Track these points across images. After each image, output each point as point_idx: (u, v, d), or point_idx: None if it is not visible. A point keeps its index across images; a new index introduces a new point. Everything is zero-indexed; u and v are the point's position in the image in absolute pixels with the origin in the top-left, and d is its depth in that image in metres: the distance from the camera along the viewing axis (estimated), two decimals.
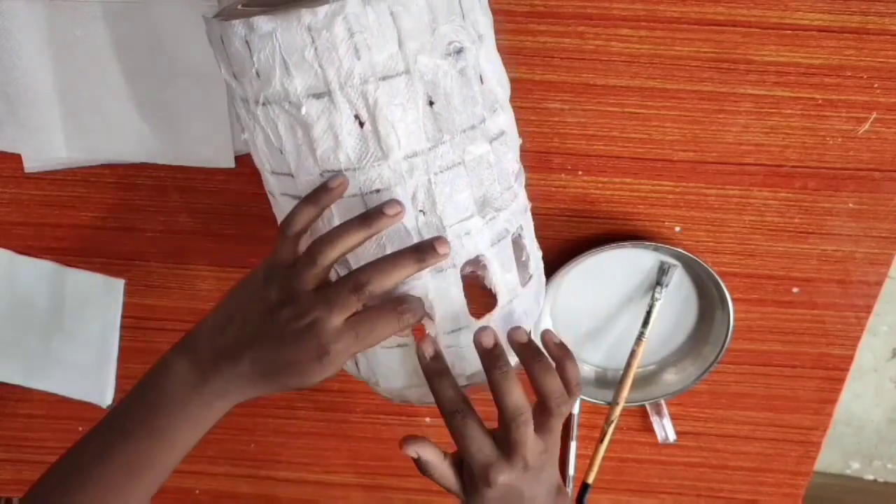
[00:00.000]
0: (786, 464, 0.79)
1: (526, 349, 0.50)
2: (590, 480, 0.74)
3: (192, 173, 0.66)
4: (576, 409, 0.76)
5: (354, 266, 0.48)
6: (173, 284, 0.73)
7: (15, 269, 0.72)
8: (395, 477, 0.82)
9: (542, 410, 0.51)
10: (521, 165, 0.55)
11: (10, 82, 0.61)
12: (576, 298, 0.71)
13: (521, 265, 0.56)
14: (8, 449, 0.82)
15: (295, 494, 0.84)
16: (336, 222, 0.48)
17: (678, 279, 0.69)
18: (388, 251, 0.48)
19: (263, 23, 0.43)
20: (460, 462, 0.54)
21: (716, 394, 0.75)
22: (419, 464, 0.53)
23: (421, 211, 0.48)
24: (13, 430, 0.81)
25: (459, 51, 0.47)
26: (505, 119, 0.52)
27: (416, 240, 0.48)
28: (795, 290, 0.70)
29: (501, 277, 0.52)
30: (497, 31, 0.53)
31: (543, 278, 0.60)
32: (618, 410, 0.71)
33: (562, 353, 0.51)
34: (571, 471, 0.78)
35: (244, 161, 0.65)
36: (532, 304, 0.57)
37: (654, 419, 0.75)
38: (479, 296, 0.53)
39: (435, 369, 0.50)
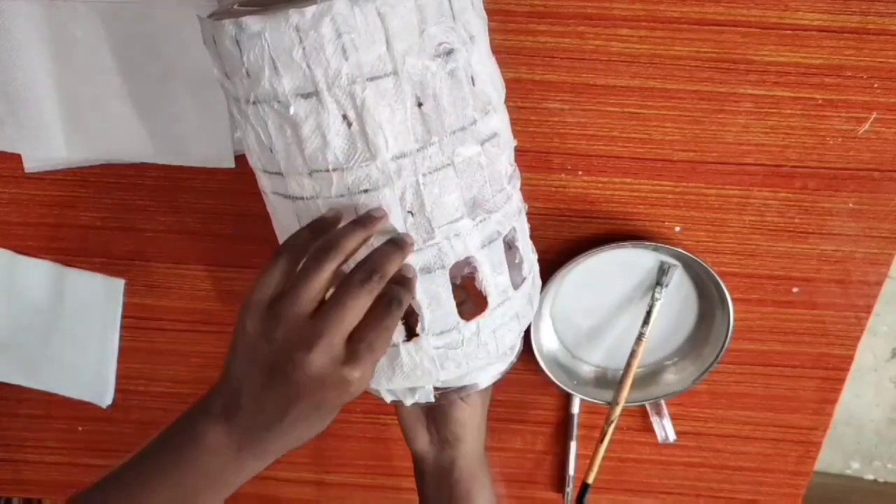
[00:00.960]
0: (786, 464, 0.79)
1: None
2: (590, 480, 0.73)
3: (192, 173, 0.66)
4: (576, 409, 0.76)
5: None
6: (173, 284, 0.73)
7: (15, 269, 0.72)
8: (395, 477, 0.82)
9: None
10: (515, 168, 0.55)
11: (9, 82, 0.61)
12: (576, 298, 0.71)
13: (515, 268, 0.56)
14: (8, 449, 0.82)
15: (295, 494, 0.84)
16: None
17: (678, 279, 0.69)
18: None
19: (252, 23, 0.44)
20: None
21: (716, 394, 0.75)
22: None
23: (409, 212, 0.48)
24: (13, 430, 0.81)
25: (449, 52, 0.47)
26: (498, 121, 0.52)
27: None
28: (795, 290, 0.70)
29: (492, 279, 0.52)
30: (497, 31, 0.53)
31: (539, 281, 0.60)
32: (618, 410, 0.71)
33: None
34: (571, 471, 0.78)
35: (244, 161, 0.64)
36: (525, 306, 0.57)
37: (654, 419, 0.75)
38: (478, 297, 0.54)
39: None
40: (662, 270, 0.68)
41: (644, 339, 0.69)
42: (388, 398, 0.56)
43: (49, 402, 0.78)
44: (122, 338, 0.75)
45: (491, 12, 0.53)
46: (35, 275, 0.72)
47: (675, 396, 0.73)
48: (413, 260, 0.49)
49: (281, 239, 0.55)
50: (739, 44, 0.60)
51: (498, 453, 0.80)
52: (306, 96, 0.45)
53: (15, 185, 0.68)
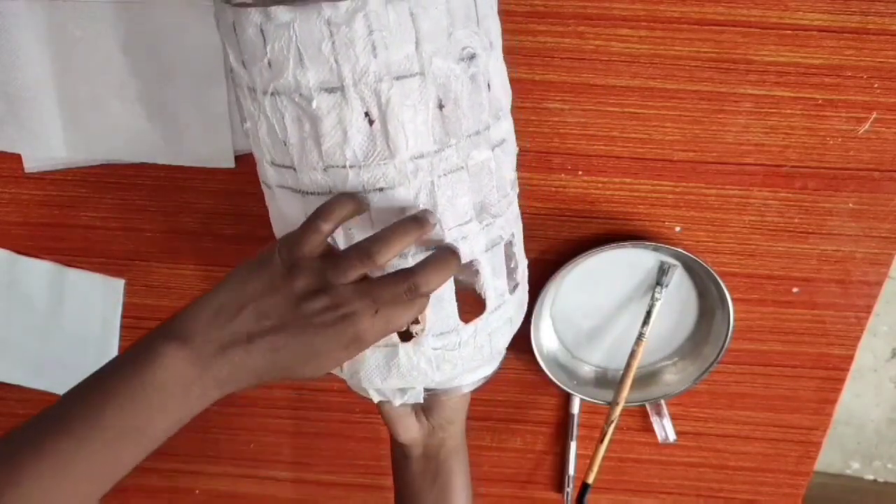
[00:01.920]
0: (786, 464, 0.79)
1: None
2: (590, 480, 0.73)
3: (192, 173, 0.66)
4: (576, 409, 0.76)
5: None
6: (173, 284, 0.73)
7: (15, 269, 0.72)
8: None
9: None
10: (516, 175, 0.55)
11: (9, 82, 0.61)
12: (576, 298, 0.71)
13: (510, 272, 0.56)
14: None
15: (295, 494, 0.84)
16: None
17: (678, 279, 0.69)
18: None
19: (282, 13, 0.43)
20: None
21: (716, 394, 0.75)
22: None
23: None
24: None
25: (472, 56, 0.47)
26: (507, 127, 0.52)
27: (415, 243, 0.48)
28: (795, 290, 0.70)
29: (492, 283, 0.52)
30: None
31: (527, 286, 0.60)
32: (618, 410, 0.71)
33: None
34: (571, 471, 0.78)
35: (244, 161, 0.65)
36: (517, 311, 0.57)
37: (654, 419, 0.75)
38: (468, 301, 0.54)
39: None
40: (662, 270, 0.68)
41: (644, 339, 0.69)
42: (377, 398, 0.56)
43: (49, 403, 0.78)
44: (122, 338, 0.75)
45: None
46: (35, 275, 0.72)
47: (675, 396, 0.73)
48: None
49: (279, 234, 0.55)
50: (739, 44, 0.60)
51: (498, 453, 0.80)
52: (330, 91, 0.45)
53: (15, 185, 0.68)
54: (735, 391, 0.75)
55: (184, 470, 0.83)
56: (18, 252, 0.71)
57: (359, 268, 0.45)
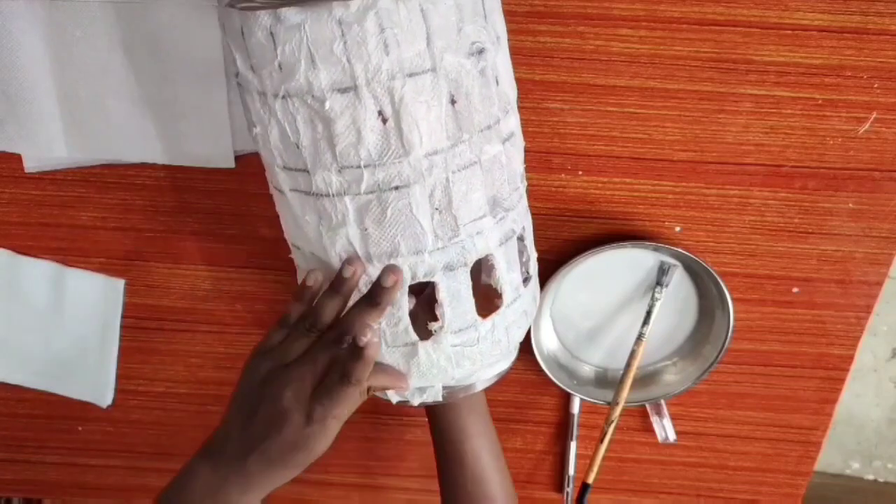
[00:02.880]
0: (786, 464, 0.79)
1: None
2: (590, 480, 0.73)
3: (192, 173, 0.66)
4: (576, 409, 0.76)
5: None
6: (173, 284, 0.73)
7: (15, 269, 0.72)
8: (395, 477, 0.82)
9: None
10: (524, 168, 0.55)
11: (9, 82, 0.61)
12: (576, 298, 0.71)
13: (522, 265, 0.56)
14: (8, 449, 0.82)
15: (295, 494, 0.84)
16: (352, 219, 0.48)
17: (678, 279, 0.69)
18: (403, 249, 0.49)
19: (292, 14, 0.43)
20: None
21: (716, 394, 0.75)
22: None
23: (437, 209, 0.48)
24: (13, 430, 0.81)
25: (481, 51, 0.47)
26: (515, 121, 0.53)
27: (430, 237, 0.49)
28: (795, 290, 0.70)
29: (507, 276, 0.52)
30: None
31: (538, 279, 0.60)
32: (618, 410, 0.71)
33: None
34: (571, 471, 0.78)
35: (244, 161, 0.65)
36: (531, 303, 0.57)
37: (654, 419, 0.75)
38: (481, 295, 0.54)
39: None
40: (662, 270, 0.68)
41: (644, 339, 0.69)
42: (395, 399, 0.56)
43: (49, 402, 0.78)
44: (122, 338, 0.75)
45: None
46: (35, 275, 0.72)
47: (675, 396, 0.73)
48: (436, 259, 0.49)
49: (291, 238, 0.55)
50: (739, 44, 0.60)
51: None
52: (343, 91, 0.45)
53: (15, 185, 0.68)
54: (735, 391, 0.75)
55: None
56: (18, 252, 0.71)
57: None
